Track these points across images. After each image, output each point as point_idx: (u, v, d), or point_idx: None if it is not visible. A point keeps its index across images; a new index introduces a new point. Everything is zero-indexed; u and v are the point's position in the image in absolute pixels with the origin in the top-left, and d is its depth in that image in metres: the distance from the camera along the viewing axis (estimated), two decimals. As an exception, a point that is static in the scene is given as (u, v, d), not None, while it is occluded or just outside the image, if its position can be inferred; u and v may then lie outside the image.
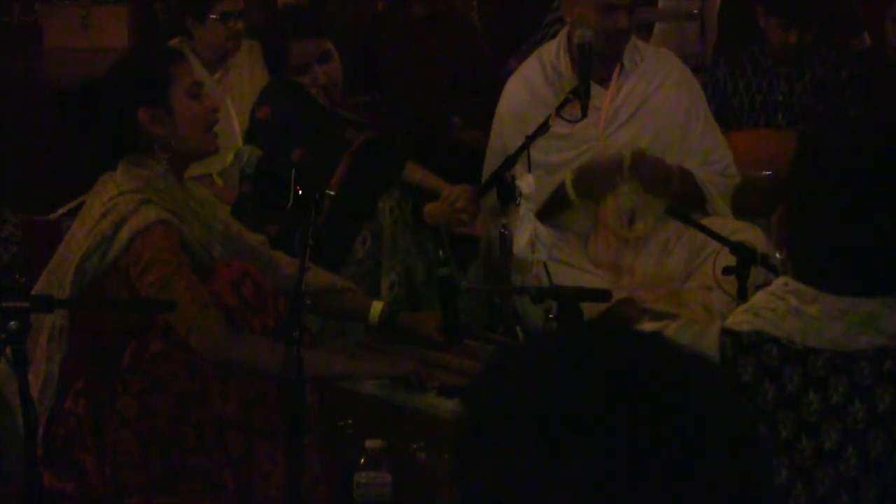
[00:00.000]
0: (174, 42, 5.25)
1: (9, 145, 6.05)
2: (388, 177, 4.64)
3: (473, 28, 6.12)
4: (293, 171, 3.57)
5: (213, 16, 5.16)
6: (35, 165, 5.93)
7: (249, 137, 4.62)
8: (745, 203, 4.78)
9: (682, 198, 4.58)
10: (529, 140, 4.27)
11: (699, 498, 1.15)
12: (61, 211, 4.82)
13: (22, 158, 6.03)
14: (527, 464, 1.17)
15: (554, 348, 1.23)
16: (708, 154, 4.72)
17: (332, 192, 3.73)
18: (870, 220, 1.94)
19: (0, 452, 3.46)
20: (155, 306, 3.51)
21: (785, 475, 1.91)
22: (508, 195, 4.18)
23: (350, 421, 3.74)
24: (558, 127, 4.40)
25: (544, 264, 4.23)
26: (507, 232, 4.22)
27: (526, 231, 4.18)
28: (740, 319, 1.99)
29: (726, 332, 1.96)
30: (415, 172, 4.76)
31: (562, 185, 4.55)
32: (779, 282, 2.01)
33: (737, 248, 3.70)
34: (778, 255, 2.05)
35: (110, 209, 3.53)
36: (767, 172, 4.98)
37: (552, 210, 4.57)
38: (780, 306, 1.97)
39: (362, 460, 3.45)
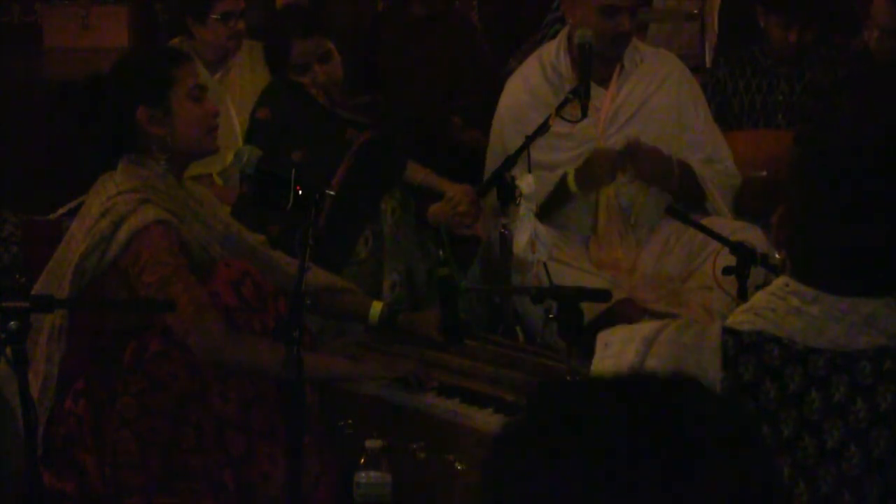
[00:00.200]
0: (174, 42, 5.25)
1: (9, 145, 6.05)
2: (389, 177, 4.64)
3: (473, 28, 6.12)
4: (293, 171, 3.57)
5: (214, 16, 5.15)
6: (35, 165, 5.93)
7: (249, 138, 4.63)
8: (745, 203, 4.78)
9: (682, 192, 4.58)
10: (529, 140, 4.27)
11: (699, 498, 1.15)
12: (61, 211, 4.82)
13: (22, 158, 6.03)
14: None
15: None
16: (709, 154, 4.72)
17: (332, 192, 3.72)
18: (870, 220, 1.94)
19: (0, 452, 3.46)
20: (154, 306, 3.51)
21: (787, 474, 1.91)
22: (508, 195, 4.18)
23: (350, 421, 3.74)
24: (558, 127, 4.41)
25: (544, 264, 4.23)
26: (507, 232, 4.22)
27: (526, 231, 4.18)
28: (741, 319, 1.99)
29: (727, 332, 1.96)
30: (416, 172, 4.76)
31: (563, 180, 4.56)
32: (779, 282, 2.01)
33: (737, 248, 3.70)
34: (778, 255, 2.05)
35: (109, 209, 3.53)
36: (763, 173, 4.98)
37: (553, 205, 4.57)
38: (781, 306, 1.97)
39: (362, 460, 3.45)
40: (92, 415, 3.52)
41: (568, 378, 3.40)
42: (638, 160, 4.52)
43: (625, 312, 4.29)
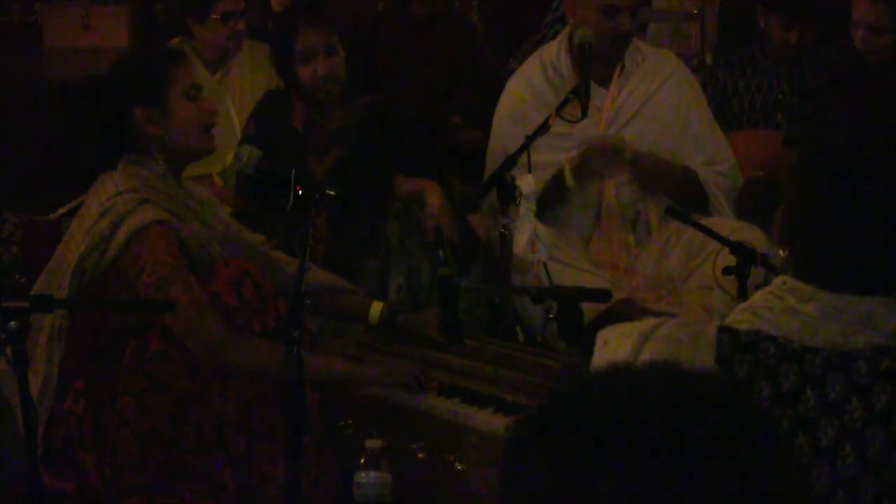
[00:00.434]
0: (174, 42, 5.25)
1: (9, 145, 6.05)
2: (385, 172, 4.60)
3: (473, 28, 6.11)
4: (293, 171, 3.57)
5: (214, 16, 5.15)
6: (35, 165, 5.92)
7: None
8: (745, 203, 4.78)
9: (684, 195, 4.58)
10: (529, 140, 4.27)
11: (699, 498, 1.15)
12: (61, 211, 4.81)
13: (22, 158, 6.02)
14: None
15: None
16: (710, 155, 4.72)
17: (332, 193, 3.71)
18: (869, 220, 1.94)
19: (0, 452, 3.46)
20: (154, 306, 3.51)
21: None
22: (508, 195, 4.18)
23: (350, 421, 3.74)
24: (558, 127, 4.40)
25: (544, 264, 4.23)
26: (507, 232, 4.22)
27: (526, 231, 4.18)
28: (739, 318, 1.99)
29: (724, 330, 1.96)
30: (402, 185, 4.65)
31: (559, 175, 4.53)
32: (778, 281, 2.02)
33: (737, 248, 3.70)
34: (781, 254, 2.05)
35: (108, 209, 3.53)
36: (760, 173, 4.98)
37: (549, 202, 4.54)
38: (778, 305, 1.97)
39: (362, 460, 3.45)
40: (92, 415, 3.52)
41: (572, 378, 3.40)
42: (637, 168, 4.51)
43: (625, 312, 4.29)
